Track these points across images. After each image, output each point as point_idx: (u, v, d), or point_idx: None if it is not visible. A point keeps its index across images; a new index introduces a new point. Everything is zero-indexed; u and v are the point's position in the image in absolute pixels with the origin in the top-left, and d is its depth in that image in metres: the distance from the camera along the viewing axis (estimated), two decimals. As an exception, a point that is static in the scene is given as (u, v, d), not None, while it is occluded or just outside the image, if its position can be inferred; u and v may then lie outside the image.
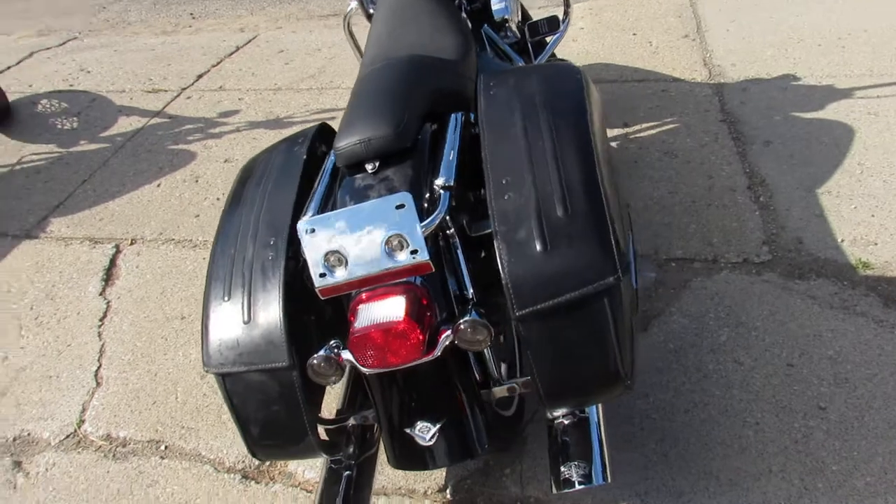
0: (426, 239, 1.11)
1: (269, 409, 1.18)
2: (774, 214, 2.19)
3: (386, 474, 1.55)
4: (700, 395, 1.66)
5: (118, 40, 4.37)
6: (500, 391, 1.23)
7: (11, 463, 1.67)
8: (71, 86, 3.70)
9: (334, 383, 1.15)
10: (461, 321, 1.08)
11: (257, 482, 1.57)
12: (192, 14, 4.75)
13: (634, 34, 3.47)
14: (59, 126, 3.29)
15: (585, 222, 1.10)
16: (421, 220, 1.09)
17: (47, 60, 4.12)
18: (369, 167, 1.23)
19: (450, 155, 1.24)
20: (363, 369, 1.11)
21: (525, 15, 2.54)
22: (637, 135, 2.67)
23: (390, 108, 1.27)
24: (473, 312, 1.10)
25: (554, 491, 1.17)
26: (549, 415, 1.27)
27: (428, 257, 1.07)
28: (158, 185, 2.73)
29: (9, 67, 4.07)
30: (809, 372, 1.68)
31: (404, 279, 1.11)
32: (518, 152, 1.21)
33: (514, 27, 2.03)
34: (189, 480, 1.59)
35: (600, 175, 1.15)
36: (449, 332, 1.10)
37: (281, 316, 1.16)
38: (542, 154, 1.19)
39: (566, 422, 1.24)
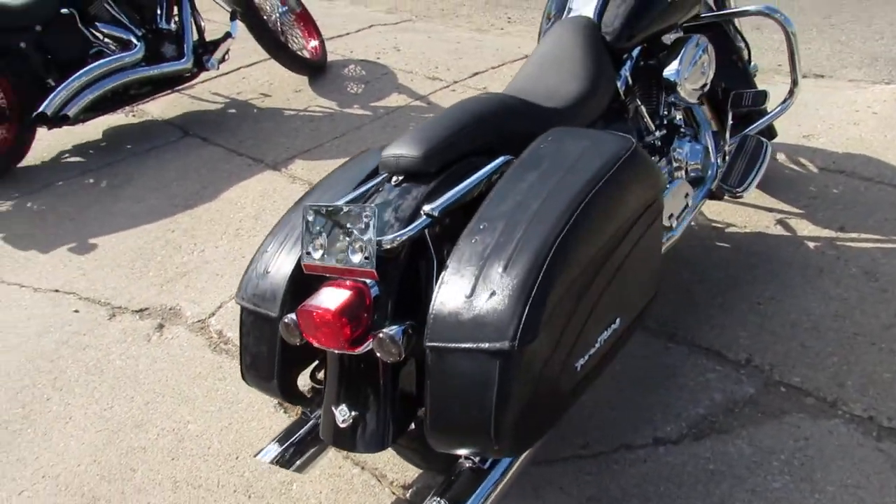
0: (396, 252, 1.25)
1: (257, 347, 1.42)
2: (951, 384, 1.78)
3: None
4: (702, 526, 1.50)
5: (438, 29, 4.96)
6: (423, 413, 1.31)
7: (157, 324, 2.19)
8: (378, 58, 4.34)
9: (299, 344, 1.34)
10: (381, 331, 1.20)
11: (285, 412, 1.85)
12: (509, 18, 5.15)
13: (933, 134, 2.92)
14: (348, 89, 3.92)
15: (510, 284, 1.12)
16: (388, 234, 1.23)
17: (377, 34, 4.86)
18: (394, 180, 1.38)
19: (460, 189, 1.33)
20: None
21: (749, 82, 2.36)
22: (846, 243, 2.32)
23: (434, 135, 1.39)
24: (398, 328, 1.20)
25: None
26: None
27: (373, 267, 1.20)
28: (383, 156, 3.14)
29: (348, 33, 4.89)
30: (848, 564, 1.41)
31: (364, 280, 1.25)
32: (510, 203, 1.25)
33: (684, 93, 1.93)
34: (243, 387, 1.92)
35: (556, 246, 1.15)
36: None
37: (287, 276, 1.38)
38: (525, 210, 1.22)
39: (466, 465, 1.27)
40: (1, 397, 1.94)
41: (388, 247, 1.24)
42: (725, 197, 2.11)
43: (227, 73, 4.19)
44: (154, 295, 2.32)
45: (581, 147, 1.37)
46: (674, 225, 1.75)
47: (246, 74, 4.21)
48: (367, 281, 1.25)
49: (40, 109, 2.99)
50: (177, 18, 3.49)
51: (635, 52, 1.93)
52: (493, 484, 1.23)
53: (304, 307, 1.23)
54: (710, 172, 2.08)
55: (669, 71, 1.90)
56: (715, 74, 2.35)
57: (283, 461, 1.45)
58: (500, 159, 1.42)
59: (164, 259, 2.51)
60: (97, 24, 3.24)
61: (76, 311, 2.26)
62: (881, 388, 1.79)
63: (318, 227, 1.27)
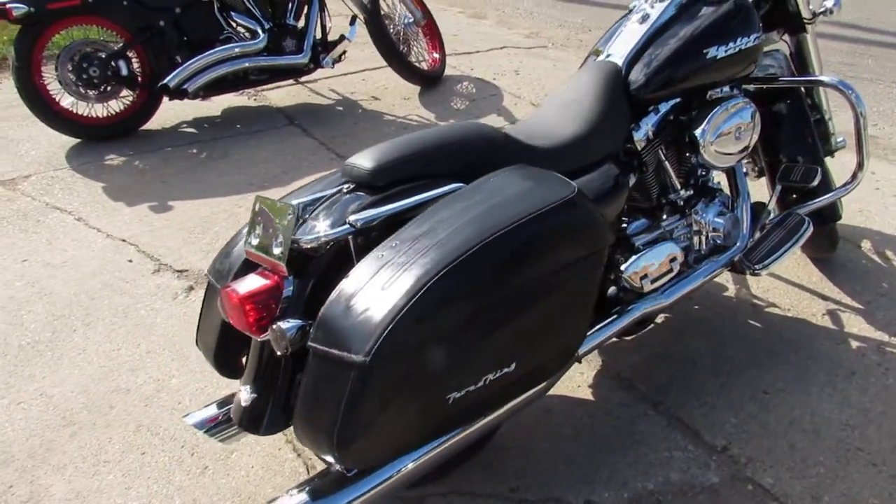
0: (317, 252, 1.33)
1: (209, 317, 1.55)
2: (950, 530, 1.55)
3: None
4: None
5: (569, 58, 4.94)
6: None
7: (188, 286, 2.40)
8: (493, 79, 4.42)
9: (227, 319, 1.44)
10: (275, 323, 1.27)
11: (257, 388, 1.97)
12: (644, 57, 5.03)
13: None
14: (452, 104, 4.03)
15: (383, 301, 1.15)
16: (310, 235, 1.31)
17: (505, 55, 4.94)
18: (345, 187, 1.45)
19: (392, 207, 1.37)
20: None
21: (815, 157, 2.17)
22: (892, 349, 2.07)
23: (390, 153, 1.44)
24: (294, 324, 1.27)
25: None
26: None
27: (284, 262, 1.28)
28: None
29: (477, 51, 5.01)
30: None
31: (284, 274, 1.33)
32: (426, 227, 1.28)
33: (707, 156, 1.82)
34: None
35: (440, 274, 1.16)
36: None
37: (242, 259, 1.49)
38: (434, 236, 1.24)
39: (336, 467, 1.30)
40: (41, 321, 2.22)
41: (306, 246, 1.31)
42: (748, 274, 1.97)
43: (350, 73, 4.45)
44: (198, 260, 2.54)
45: (522, 186, 1.36)
46: (646, 287, 1.67)
47: (367, 77, 4.45)
48: (288, 277, 1.33)
49: (164, 81, 3.36)
50: (305, 16, 3.77)
51: (665, 105, 1.86)
52: (351, 495, 1.25)
53: (224, 287, 1.33)
54: (737, 243, 1.94)
55: (699, 130, 1.81)
56: (782, 145, 2.20)
57: (207, 429, 1.56)
58: (450, 186, 1.44)
59: (221, 230, 2.73)
60: (231, 12, 3.58)
61: (130, 261, 2.53)
62: (861, 512, 1.60)
63: (260, 218, 1.37)
